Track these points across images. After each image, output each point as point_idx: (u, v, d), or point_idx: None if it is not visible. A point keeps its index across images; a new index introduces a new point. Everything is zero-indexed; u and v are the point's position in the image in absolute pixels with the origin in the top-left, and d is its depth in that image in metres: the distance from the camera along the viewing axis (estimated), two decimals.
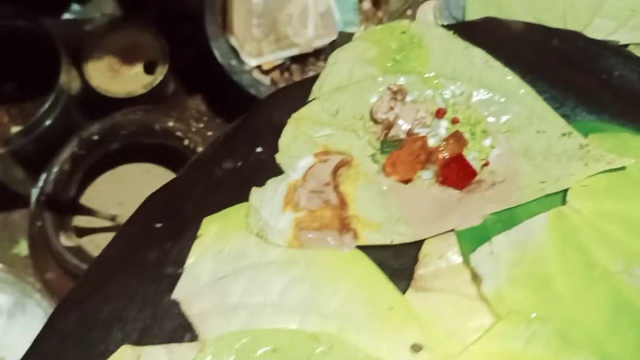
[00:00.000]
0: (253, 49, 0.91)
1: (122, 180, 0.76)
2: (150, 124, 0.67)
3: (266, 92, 0.80)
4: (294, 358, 0.32)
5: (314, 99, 0.43)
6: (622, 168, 0.38)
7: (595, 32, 0.53)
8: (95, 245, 0.75)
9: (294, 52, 0.89)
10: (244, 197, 0.40)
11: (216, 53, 0.81)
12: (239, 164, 0.42)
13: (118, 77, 0.82)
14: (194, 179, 0.42)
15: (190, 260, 0.38)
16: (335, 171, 0.39)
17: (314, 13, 0.90)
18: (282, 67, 0.91)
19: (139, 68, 0.83)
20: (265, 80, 0.90)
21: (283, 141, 0.42)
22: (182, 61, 0.87)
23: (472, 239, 0.36)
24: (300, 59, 0.90)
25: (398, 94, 0.42)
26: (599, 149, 0.39)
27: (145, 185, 0.73)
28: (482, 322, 0.33)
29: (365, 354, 0.32)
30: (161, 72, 0.82)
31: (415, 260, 0.36)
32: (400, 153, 0.39)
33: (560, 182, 0.38)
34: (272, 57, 0.90)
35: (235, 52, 0.84)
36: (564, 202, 0.37)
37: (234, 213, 0.39)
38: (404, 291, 0.35)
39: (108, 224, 0.73)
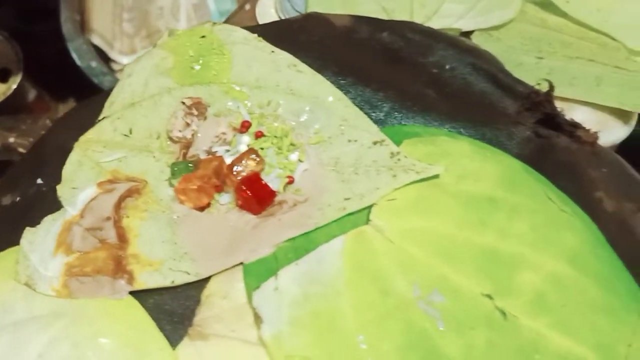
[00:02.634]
0: (125, 46, 0.85)
1: None
2: None
3: None
4: None
5: (104, 118, 0.38)
6: (435, 177, 0.35)
7: (443, 18, 0.50)
8: None
9: None
10: (18, 238, 0.35)
11: (74, 55, 0.75)
12: (18, 198, 0.37)
13: None
14: None
15: None
16: (119, 203, 0.35)
17: (187, 4, 0.85)
18: None
19: None
20: None
21: (67, 170, 0.37)
22: (42, 65, 0.80)
23: (259, 274, 0.32)
24: None
25: (194, 107, 0.37)
26: (409, 158, 0.35)
27: None
28: None
29: None
30: (15, 80, 0.75)
31: (197, 302, 0.32)
32: (192, 177, 0.35)
33: (365, 198, 0.34)
34: None
35: (98, 52, 0.78)
36: (368, 221, 0.34)
37: (4, 259, 0.34)
38: (182, 337, 0.31)
39: None
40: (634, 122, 0.43)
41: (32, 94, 0.79)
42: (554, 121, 0.39)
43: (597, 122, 0.41)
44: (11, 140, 0.62)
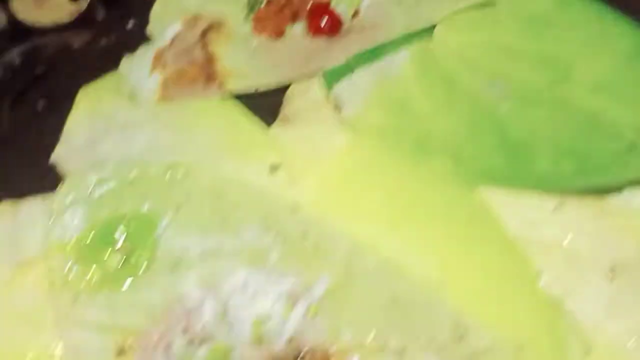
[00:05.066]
0: None
1: None
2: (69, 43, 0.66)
3: None
4: (152, 185, 0.32)
5: None
6: (494, 2, 0.38)
7: None
8: None
9: None
10: (117, 67, 0.40)
11: None
12: (113, 39, 0.41)
13: (44, 7, 0.80)
14: (73, 60, 0.42)
15: (67, 126, 0.38)
16: (204, 33, 0.39)
17: None
18: None
19: None
20: None
21: (154, 11, 0.41)
22: None
23: (335, 75, 0.36)
24: None
25: None
26: None
27: None
28: (339, 144, 0.33)
29: (223, 176, 0.32)
30: None
31: (281, 101, 0.36)
32: (267, 9, 0.38)
33: (428, 20, 0.37)
34: None
35: None
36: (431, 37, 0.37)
37: (107, 81, 0.39)
38: (272, 122, 0.35)
39: None
40: None
41: (100, 14, 0.84)
42: None
43: None
44: None
